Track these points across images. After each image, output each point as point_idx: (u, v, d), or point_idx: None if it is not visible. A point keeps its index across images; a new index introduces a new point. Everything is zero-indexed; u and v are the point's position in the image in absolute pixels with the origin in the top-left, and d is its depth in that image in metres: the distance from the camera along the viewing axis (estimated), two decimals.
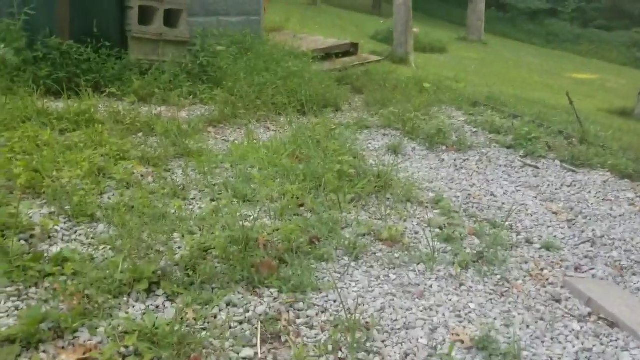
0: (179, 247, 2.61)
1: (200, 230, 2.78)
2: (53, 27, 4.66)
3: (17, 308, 2.05)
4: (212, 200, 3.17)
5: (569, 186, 4.08)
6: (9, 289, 2.14)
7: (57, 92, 4.39)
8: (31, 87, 4.22)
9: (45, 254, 2.38)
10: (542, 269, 2.89)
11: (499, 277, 2.75)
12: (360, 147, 4.47)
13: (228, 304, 2.27)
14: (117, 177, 3.19)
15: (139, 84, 4.73)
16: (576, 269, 2.93)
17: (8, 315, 2.01)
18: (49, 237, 2.56)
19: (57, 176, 3.03)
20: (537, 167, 4.39)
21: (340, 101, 5.76)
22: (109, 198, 3.01)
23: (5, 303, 2.07)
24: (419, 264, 2.78)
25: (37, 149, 3.30)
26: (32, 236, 2.53)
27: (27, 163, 3.02)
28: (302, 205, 3.26)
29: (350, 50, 7.93)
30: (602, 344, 2.31)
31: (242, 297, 2.33)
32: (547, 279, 2.79)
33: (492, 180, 4.11)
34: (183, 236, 2.70)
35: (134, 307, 2.18)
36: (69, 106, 3.99)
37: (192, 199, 3.21)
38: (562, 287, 2.73)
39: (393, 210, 3.37)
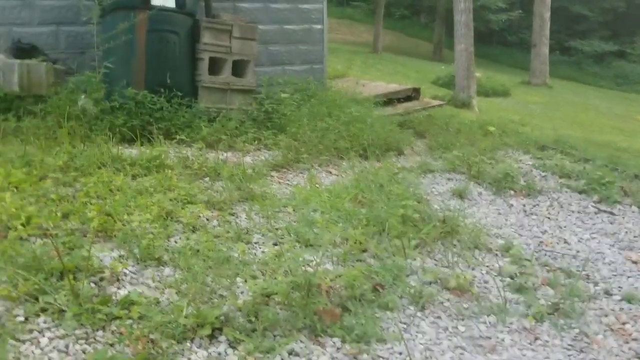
0: (242, 292, 2.61)
1: (262, 274, 2.78)
2: (130, 79, 4.91)
3: (84, 351, 2.08)
4: (275, 244, 3.18)
5: None
6: (77, 332, 2.17)
7: (131, 139, 4.59)
8: (107, 134, 4.43)
9: (113, 297, 2.43)
10: (623, 323, 2.69)
11: (577, 331, 2.59)
12: (424, 191, 4.39)
13: (290, 353, 2.22)
14: (184, 221, 3.26)
15: (207, 131, 4.88)
16: None
17: (76, 359, 2.04)
18: (118, 280, 2.61)
19: (127, 220, 3.12)
20: (612, 214, 4.18)
21: (403, 145, 5.73)
22: (175, 241, 3.07)
23: (73, 346, 2.10)
24: (489, 315, 2.66)
25: (110, 193, 3.42)
26: (101, 279, 2.58)
27: (100, 207, 3.13)
28: (365, 251, 3.21)
29: (412, 95, 7.94)
30: None
31: (305, 346, 2.28)
32: (630, 334, 2.60)
33: (564, 226, 3.93)
34: (246, 281, 2.70)
35: (196, 353, 2.16)
36: (142, 152, 4.15)
37: (255, 242, 3.22)
38: None
39: (460, 257, 3.26)
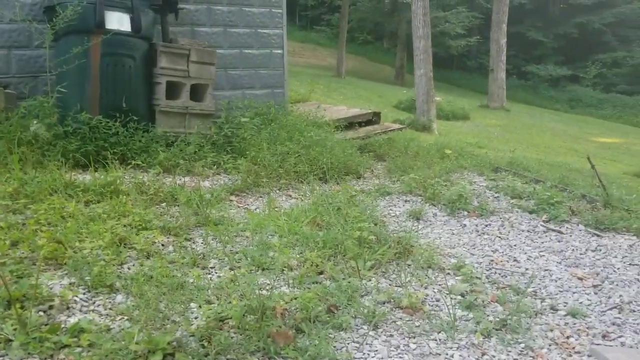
0: (196, 317, 2.60)
1: (217, 299, 2.78)
2: (84, 104, 4.86)
3: None
4: (231, 269, 3.18)
5: (593, 251, 3.99)
6: None
7: (85, 165, 4.53)
8: (60, 160, 4.37)
9: (63, 325, 2.40)
10: (568, 337, 2.78)
11: (522, 345, 2.66)
12: (381, 213, 4.46)
13: None
14: (138, 247, 3.23)
15: (164, 156, 4.86)
16: (604, 336, 2.81)
17: None
18: (68, 308, 2.58)
19: (79, 247, 3.09)
20: (560, 232, 4.31)
21: (362, 169, 5.82)
22: (128, 268, 3.04)
23: None
24: (439, 332, 2.71)
25: (62, 220, 3.38)
26: (51, 307, 2.55)
27: (50, 234, 3.09)
28: (321, 273, 3.24)
29: (373, 119, 8.06)
30: None
31: None
32: (574, 348, 2.68)
33: (514, 245, 4.04)
34: (200, 306, 2.69)
35: None
36: (96, 178, 4.11)
37: (212, 267, 3.22)
38: (589, 355, 2.62)
39: (413, 276, 3.32)
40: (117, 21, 5.01)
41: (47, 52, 4.97)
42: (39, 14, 5.23)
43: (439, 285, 3.26)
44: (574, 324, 2.93)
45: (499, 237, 4.20)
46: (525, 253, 3.90)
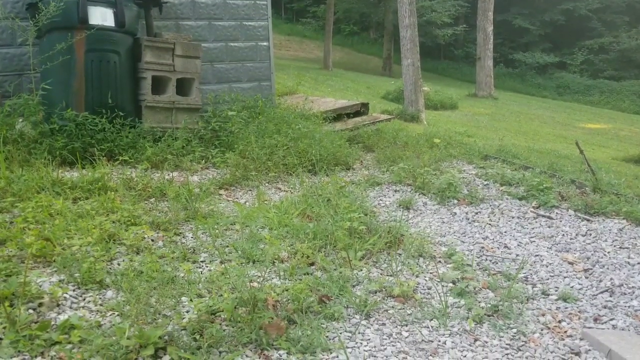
0: (187, 311, 2.59)
1: (208, 292, 2.77)
2: (69, 101, 4.82)
3: None
4: (222, 262, 3.16)
5: (583, 235, 4.01)
6: (15, 359, 2.12)
7: (72, 162, 4.49)
8: (47, 158, 4.33)
9: (53, 322, 2.37)
10: (559, 321, 2.80)
11: (514, 330, 2.67)
12: (371, 203, 4.46)
13: None
14: (127, 243, 3.21)
15: (152, 151, 4.83)
16: (595, 319, 2.84)
17: None
18: (58, 305, 2.55)
19: (67, 244, 3.06)
20: (550, 218, 4.33)
21: (351, 160, 5.81)
22: (118, 264, 3.02)
23: None
24: (431, 319, 2.72)
25: (50, 218, 3.35)
26: (40, 304, 2.52)
27: (38, 232, 3.06)
28: (312, 264, 3.23)
29: (361, 110, 8.04)
30: None
31: None
32: (566, 332, 2.70)
33: (505, 232, 4.05)
34: (191, 300, 2.68)
35: None
36: (83, 175, 4.07)
37: (202, 261, 3.21)
38: (581, 339, 2.64)
39: (405, 265, 3.33)
40: (101, 16, 4.96)
41: (30, 49, 4.91)
42: (21, 11, 5.16)
43: (430, 273, 3.26)
44: (566, 308, 2.95)
45: (489, 224, 4.21)
46: (516, 239, 3.91)
